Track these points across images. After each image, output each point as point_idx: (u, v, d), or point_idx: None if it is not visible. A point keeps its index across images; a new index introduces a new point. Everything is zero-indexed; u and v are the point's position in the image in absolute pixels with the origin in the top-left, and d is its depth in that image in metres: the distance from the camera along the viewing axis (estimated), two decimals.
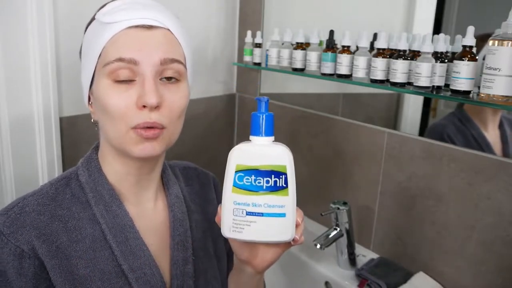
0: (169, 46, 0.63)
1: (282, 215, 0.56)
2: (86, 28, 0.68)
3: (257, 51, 1.33)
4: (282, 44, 1.24)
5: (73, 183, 0.68)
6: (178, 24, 0.66)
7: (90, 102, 0.68)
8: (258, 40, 1.33)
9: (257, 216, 0.56)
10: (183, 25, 0.69)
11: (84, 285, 0.62)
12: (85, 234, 0.64)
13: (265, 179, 0.55)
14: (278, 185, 0.56)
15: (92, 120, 0.69)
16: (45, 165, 1.05)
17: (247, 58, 1.37)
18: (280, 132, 1.36)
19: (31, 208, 0.63)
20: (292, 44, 1.21)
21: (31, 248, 0.60)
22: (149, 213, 0.72)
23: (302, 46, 1.17)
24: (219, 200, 0.83)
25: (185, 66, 0.66)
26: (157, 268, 0.67)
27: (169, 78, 0.64)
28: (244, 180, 0.55)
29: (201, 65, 1.43)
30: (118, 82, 0.61)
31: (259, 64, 1.34)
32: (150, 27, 0.62)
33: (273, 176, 0.55)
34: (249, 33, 1.37)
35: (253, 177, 0.55)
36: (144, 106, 0.60)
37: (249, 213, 0.56)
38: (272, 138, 0.58)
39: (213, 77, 1.48)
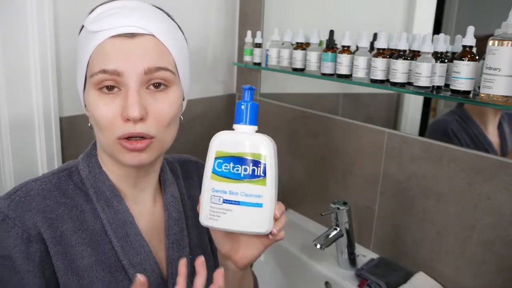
0: (154, 54, 0.61)
1: (259, 205, 0.55)
2: (80, 32, 0.67)
3: (257, 51, 1.33)
4: (282, 44, 1.24)
5: (75, 176, 0.68)
6: (166, 28, 0.64)
7: (86, 107, 0.67)
8: (258, 40, 1.33)
9: (233, 205, 0.55)
10: (176, 26, 0.67)
11: (87, 273, 0.62)
12: (87, 226, 0.64)
13: (243, 167, 0.54)
14: (256, 173, 0.54)
15: (89, 124, 0.68)
16: (45, 165, 1.05)
17: (247, 58, 1.37)
18: (280, 132, 1.36)
19: (36, 192, 0.63)
20: (292, 44, 1.21)
21: (38, 232, 0.60)
22: (148, 213, 0.72)
23: (302, 46, 1.17)
24: None
25: (173, 72, 0.64)
26: (157, 264, 0.67)
27: (157, 86, 0.62)
28: (223, 167, 0.55)
29: (201, 65, 1.43)
30: (104, 92, 0.60)
31: (259, 64, 1.34)
32: (133, 35, 0.60)
33: (251, 164, 0.54)
34: (249, 33, 1.37)
35: (231, 164, 0.55)
36: (128, 119, 0.59)
37: (225, 201, 0.55)
38: (255, 127, 0.57)
39: (213, 77, 1.48)
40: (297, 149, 1.32)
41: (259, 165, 0.54)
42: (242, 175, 0.54)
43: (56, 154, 1.06)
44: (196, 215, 0.78)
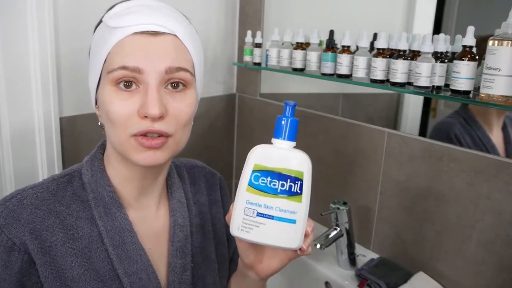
0: (176, 54, 0.61)
1: (293, 221, 0.55)
2: (95, 28, 0.66)
3: (257, 51, 1.33)
4: (282, 44, 1.24)
5: (76, 182, 0.67)
6: (187, 29, 0.64)
7: (97, 105, 0.67)
8: (258, 40, 1.33)
9: (267, 219, 0.55)
10: (194, 29, 0.67)
11: (77, 284, 0.61)
12: (82, 234, 0.63)
13: (280, 182, 0.55)
14: (292, 190, 0.55)
15: (99, 123, 0.67)
16: (45, 165, 1.05)
17: (247, 58, 1.37)
18: None
19: (29, 201, 0.62)
20: (292, 44, 1.21)
21: (22, 242, 0.59)
22: (151, 218, 0.70)
23: (302, 46, 1.17)
24: (224, 202, 0.82)
25: (192, 74, 0.63)
26: (154, 273, 0.66)
27: (175, 86, 0.62)
28: (260, 180, 0.55)
29: None
30: (121, 89, 0.60)
31: (259, 64, 1.34)
32: (156, 33, 0.60)
33: (289, 180, 0.55)
34: (249, 33, 1.37)
35: (269, 179, 0.55)
36: (146, 116, 0.58)
37: (259, 214, 0.55)
38: (294, 143, 0.57)
39: (213, 77, 1.48)
40: (297, 149, 1.32)
41: (297, 182, 0.55)
42: (278, 190, 0.55)
43: (56, 153, 1.06)
44: (201, 221, 0.78)
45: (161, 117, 0.59)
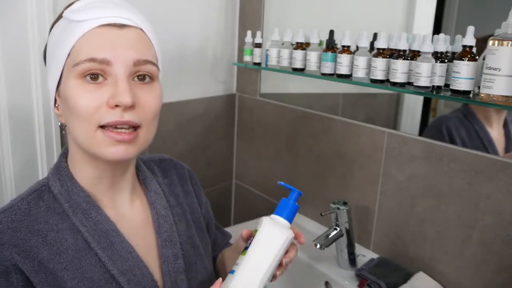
0: (142, 47, 0.62)
1: (232, 272, 0.61)
2: (52, 27, 0.65)
3: (257, 51, 1.33)
4: (282, 44, 1.24)
5: (46, 196, 0.65)
6: (150, 24, 0.65)
7: (56, 105, 0.65)
8: (258, 40, 1.33)
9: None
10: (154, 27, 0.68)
11: None
12: (67, 245, 0.62)
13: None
14: (246, 246, 0.63)
15: (59, 124, 0.66)
16: (44, 162, 1.05)
17: (247, 58, 1.37)
18: (280, 132, 1.36)
19: (5, 225, 0.60)
20: (292, 44, 1.21)
21: (14, 264, 0.57)
22: (128, 214, 0.70)
23: (302, 46, 1.17)
24: (195, 192, 0.85)
25: (157, 67, 0.64)
26: (146, 268, 0.66)
27: (142, 79, 0.62)
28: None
29: (201, 65, 1.43)
30: (88, 81, 0.59)
31: (259, 64, 1.34)
32: (122, 26, 0.60)
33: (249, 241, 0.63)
34: (249, 33, 1.37)
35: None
36: (117, 106, 0.58)
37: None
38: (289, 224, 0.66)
39: (213, 77, 1.48)
40: (297, 149, 1.32)
41: (251, 239, 0.62)
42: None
43: (56, 150, 1.07)
44: (181, 210, 0.79)
45: (131, 107, 0.59)
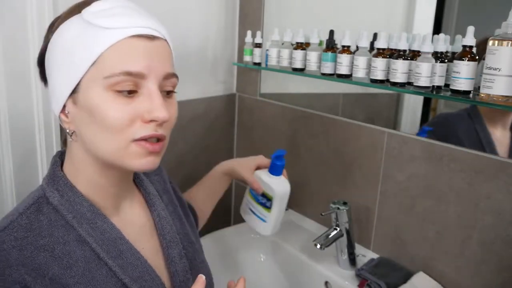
0: (169, 59, 0.62)
1: (263, 220, 1.01)
2: (54, 23, 0.62)
3: (257, 51, 1.33)
4: (282, 44, 1.24)
5: (45, 208, 0.61)
6: (168, 33, 0.65)
7: (66, 111, 0.61)
8: (258, 40, 1.33)
9: (253, 214, 1.03)
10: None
11: None
12: (76, 258, 0.60)
13: (261, 197, 1.00)
14: (266, 205, 0.99)
15: (67, 131, 0.63)
16: (45, 164, 1.05)
17: (247, 58, 1.37)
18: (280, 132, 1.36)
19: (9, 244, 0.56)
20: (292, 44, 1.21)
21: (24, 286, 0.54)
22: (129, 219, 0.70)
23: (302, 46, 1.17)
24: (170, 181, 0.87)
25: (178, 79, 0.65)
26: (155, 272, 0.66)
27: (168, 92, 0.62)
28: (254, 192, 1.02)
29: (201, 65, 1.43)
30: (119, 94, 0.57)
31: (259, 64, 1.34)
32: (153, 37, 0.59)
33: (265, 198, 0.99)
34: (249, 33, 1.37)
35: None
36: (152, 121, 0.58)
37: (250, 210, 1.04)
38: (279, 177, 0.99)
39: (213, 77, 1.48)
40: (297, 149, 1.32)
41: (269, 201, 0.98)
42: (260, 201, 1.00)
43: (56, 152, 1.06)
44: (173, 208, 0.80)
45: (167, 121, 0.60)
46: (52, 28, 0.62)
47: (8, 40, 0.95)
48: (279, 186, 0.96)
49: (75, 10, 0.60)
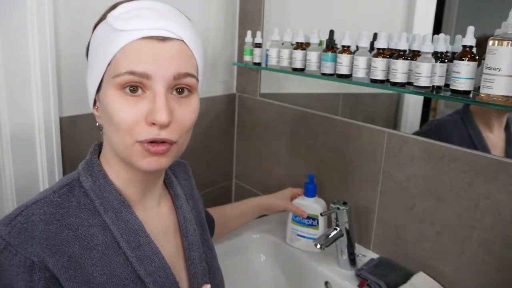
0: (183, 60, 0.61)
1: (313, 238, 1.11)
2: (95, 26, 0.65)
3: (257, 51, 1.33)
4: (282, 44, 1.24)
5: (77, 191, 0.65)
6: (192, 33, 0.64)
7: (96, 106, 0.66)
8: (258, 40, 1.33)
9: (302, 237, 1.16)
10: (197, 32, 0.67)
11: None
12: (97, 242, 0.62)
13: (306, 220, 1.14)
14: (313, 224, 1.13)
15: (97, 124, 0.67)
16: (45, 165, 1.04)
17: (247, 58, 1.37)
18: (280, 132, 1.36)
19: (37, 217, 0.59)
20: (292, 44, 1.21)
21: (41, 260, 0.57)
22: (155, 216, 0.71)
23: (302, 46, 1.17)
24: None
25: (197, 79, 0.64)
26: (170, 270, 0.66)
27: (180, 92, 0.62)
28: (297, 218, 1.16)
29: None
30: (127, 94, 0.59)
31: (259, 64, 1.34)
32: (164, 38, 0.59)
33: (311, 220, 1.13)
34: (249, 33, 1.37)
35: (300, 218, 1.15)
36: (153, 124, 0.58)
37: (298, 235, 1.16)
38: (314, 198, 1.15)
39: (213, 77, 1.48)
40: (297, 149, 1.32)
41: (315, 220, 1.13)
42: (306, 223, 1.14)
43: (56, 154, 1.06)
44: (197, 213, 0.81)
45: (167, 125, 0.59)
46: (94, 28, 0.66)
47: (8, 41, 0.95)
48: (319, 204, 1.12)
49: (108, 11, 0.63)
